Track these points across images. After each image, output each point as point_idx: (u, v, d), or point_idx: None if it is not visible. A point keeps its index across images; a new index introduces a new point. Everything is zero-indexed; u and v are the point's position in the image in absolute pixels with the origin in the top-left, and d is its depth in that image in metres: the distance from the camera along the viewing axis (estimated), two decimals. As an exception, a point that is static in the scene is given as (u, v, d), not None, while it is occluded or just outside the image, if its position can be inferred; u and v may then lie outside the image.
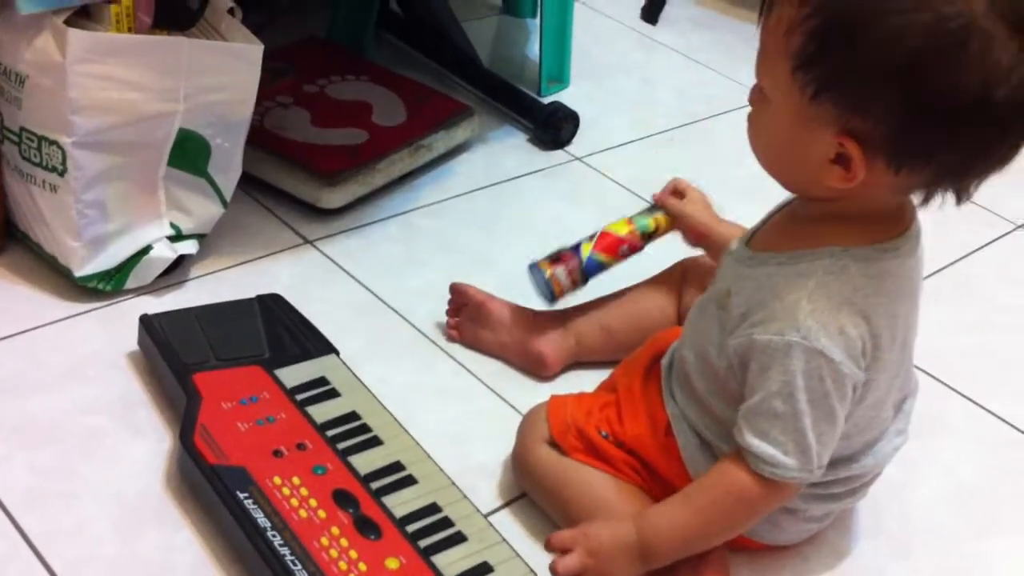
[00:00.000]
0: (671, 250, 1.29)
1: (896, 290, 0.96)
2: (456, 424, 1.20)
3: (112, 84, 1.18)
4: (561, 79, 1.89)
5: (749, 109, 0.96)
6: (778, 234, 1.00)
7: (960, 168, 0.88)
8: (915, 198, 0.94)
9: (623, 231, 1.24)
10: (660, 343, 1.15)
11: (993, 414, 1.33)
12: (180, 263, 1.33)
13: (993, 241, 1.67)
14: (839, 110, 0.86)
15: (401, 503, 1.04)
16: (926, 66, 0.82)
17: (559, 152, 1.73)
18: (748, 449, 0.94)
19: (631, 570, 1.00)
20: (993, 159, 0.87)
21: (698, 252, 1.27)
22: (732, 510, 0.98)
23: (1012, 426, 1.32)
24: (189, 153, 1.28)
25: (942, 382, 1.35)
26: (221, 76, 1.25)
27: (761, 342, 0.93)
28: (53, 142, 1.20)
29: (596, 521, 1.02)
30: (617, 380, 1.15)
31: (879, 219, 0.95)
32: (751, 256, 0.99)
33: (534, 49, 1.93)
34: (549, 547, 1.02)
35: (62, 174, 1.21)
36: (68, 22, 1.16)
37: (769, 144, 0.95)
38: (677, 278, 1.29)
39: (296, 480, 1.03)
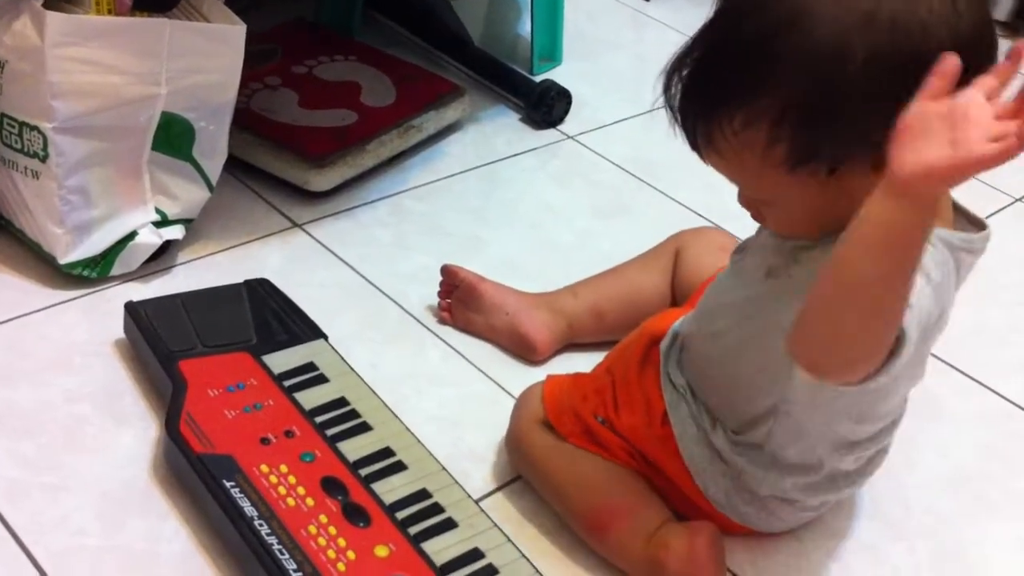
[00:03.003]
0: (662, 225, 1.27)
1: (950, 292, 0.88)
2: (447, 408, 1.19)
3: (93, 68, 1.16)
4: (553, 57, 1.87)
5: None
6: None
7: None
8: None
9: None
10: (657, 327, 1.11)
11: (992, 390, 1.32)
12: (166, 249, 1.31)
13: (992, 215, 1.65)
14: (863, 152, 0.81)
15: (391, 489, 1.02)
16: (897, 47, 0.79)
17: (551, 131, 1.71)
18: None
19: None
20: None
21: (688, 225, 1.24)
22: None
23: (1011, 402, 1.30)
24: (173, 137, 1.26)
25: (941, 359, 1.34)
26: (204, 58, 1.23)
27: None
28: (34, 128, 1.18)
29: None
30: (612, 365, 1.11)
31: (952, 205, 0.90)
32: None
33: (525, 27, 1.91)
34: None
35: (44, 160, 1.19)
36: (47, 5, 1.14)
37: (806, 221, 0.89)
38: (670, 254, 1.26)
39: (284, 468, 1.01)
